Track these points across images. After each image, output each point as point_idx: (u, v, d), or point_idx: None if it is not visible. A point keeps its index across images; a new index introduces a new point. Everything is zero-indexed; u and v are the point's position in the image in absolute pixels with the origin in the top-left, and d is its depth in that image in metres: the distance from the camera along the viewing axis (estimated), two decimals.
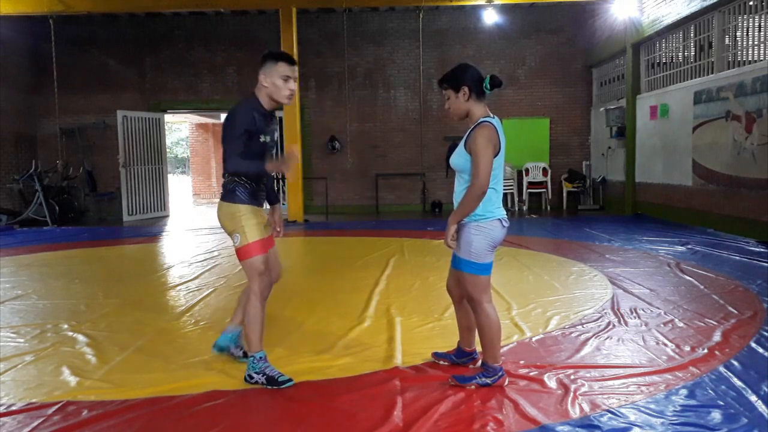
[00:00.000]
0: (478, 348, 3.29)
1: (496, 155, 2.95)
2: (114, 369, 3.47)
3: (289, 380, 3.08)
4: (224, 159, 3.06)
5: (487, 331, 3.02)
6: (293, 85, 3.20)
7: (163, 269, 7.08)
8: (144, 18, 13.15)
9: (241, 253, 3.15)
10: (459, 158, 3.03)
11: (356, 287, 5.51)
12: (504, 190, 13.51)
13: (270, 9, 12.05)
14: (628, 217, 10.90)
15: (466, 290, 3.07)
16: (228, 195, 3.18)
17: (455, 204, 3.06)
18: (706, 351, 3.51)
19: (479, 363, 3.29)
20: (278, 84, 3.14)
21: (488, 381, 3.02)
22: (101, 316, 4.66)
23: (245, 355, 3.49)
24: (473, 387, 3.00)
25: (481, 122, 2.98)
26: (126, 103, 13.16)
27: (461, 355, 3.36)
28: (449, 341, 3.73)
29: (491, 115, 3.04)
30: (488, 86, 3.01)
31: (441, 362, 3.40)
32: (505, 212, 3.07)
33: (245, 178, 3.15)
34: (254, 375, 3.11)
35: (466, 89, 3.01)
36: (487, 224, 2.97)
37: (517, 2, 12.22)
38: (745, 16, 8.44)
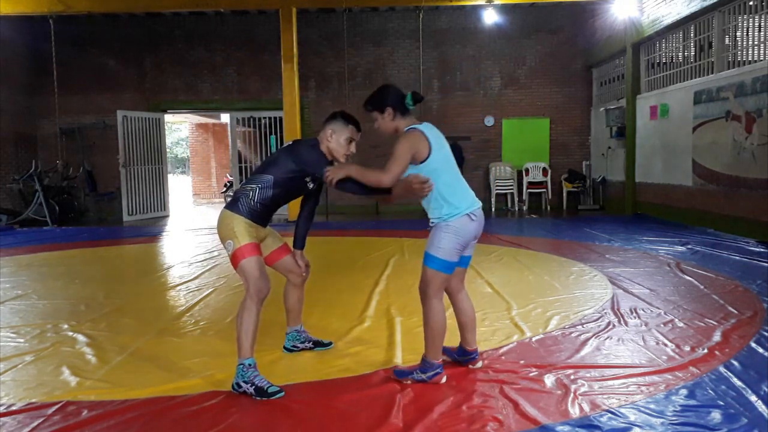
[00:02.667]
0: (475, 349, 3.30)
1: (429, 155, 3.02)
2: (114, 369, 3.47)
3: (280, 391, 2.97)
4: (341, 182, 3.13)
5: (430, 325, 3.06)
6: (353, 148, 3.36)
7: (163, 269, 7.08)
8: (144, 18, 13.14)
9: (234, 258, 3.16)
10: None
11: (356, 287, 5.51)
12: (504, 190, 13.62)
13: (270, 9, 12.05)
14: (628, 217, 10.89)
15: (421, 284, 3.10)
16: (231, 204, 3.27)
17: (427, 209, 3.12)
18: (706, 351, 3.51)
19: (478, 364, 3.30)
20: (342, 143, 3.30)
21: (424, 377, 3.05)
22: (101, 316, 4.66)
23: (316, 344, 3.71)
24: (409, 382, 3.04)
25: (406, 130, 3.10)
26: (126, 103, 13.15)
27: (462, 354, 3.37)
28: (449, 341, 3.71)
29: (418, 123, 3.15)
30: (411, 102, 3.14)
31: (443, 357, 3.40)
32: (474, 205, 3.10)
33: (258, 200, 3.22)
34: (242, 384, 2.99)
35: (390, 109, 3.14)
36: (455, 222, 3.03)
37: (517, 2, 12.22)
38: (745, 16, 8.44)
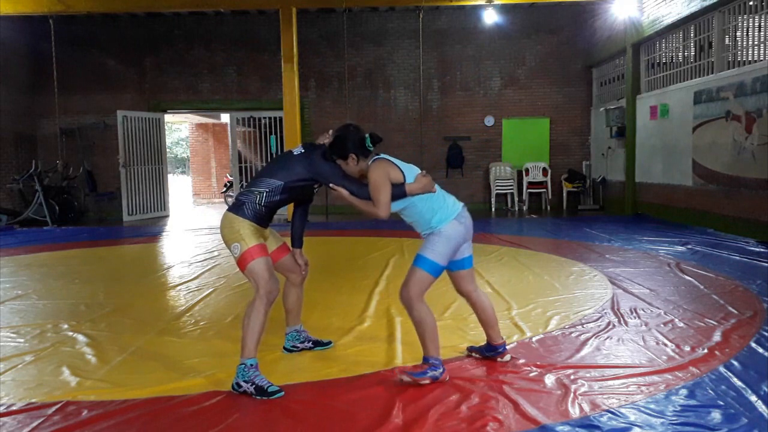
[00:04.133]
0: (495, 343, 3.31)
1: (404, 178, 3.14)
2: (114, 369, 3.47)
3: (279, 391, 2.98)
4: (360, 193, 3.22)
5: (422, 327, 3.11)
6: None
7: (163, 269, 7.08)
8: (144, 18, 13.14)
9: (242, 260, 3.16)
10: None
11: (356, 287, 5.51)
12: (504, 190, 13.62)
13: (270, 9, 12.05)
14: (628, 217, 10.89)
15: (405, 284, 3.14)
16: (235, 207, 3.27)
17: (419, 230, 3.23)
18: (706, 351, 3.51)
19: (506, 357, 3.41)
20: (357, 171, 3.29)
21: (437, 374, 3.08)
22: (101, 316, 4.66)
23: (316, 344, 3.72)
24: (428, 381, 3.04)
25: (372, 161, 3.19)
26: (126, 103, 13.15)
27: (490, 350, 3.45)
28: (449, 341, 3.74)
29: (378, 155, 3.25)
30: (371, 145, 3.19)
31: (474, 355, 3.49)
32: (458, 208, 3.21)
33: (265, 204, 3.24)
34: (242, 384, 2.99)
35: (353, 156, 3.18)
36: (446, 228, 3.13)
37: (517, 2, 12.22)
38: (745, 16, 8.44)
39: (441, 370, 3.10)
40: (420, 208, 3.17)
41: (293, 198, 3.38)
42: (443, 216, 3.15)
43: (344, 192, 3.18)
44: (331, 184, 3.21)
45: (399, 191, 3.12)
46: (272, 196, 3.24)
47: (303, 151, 3.35)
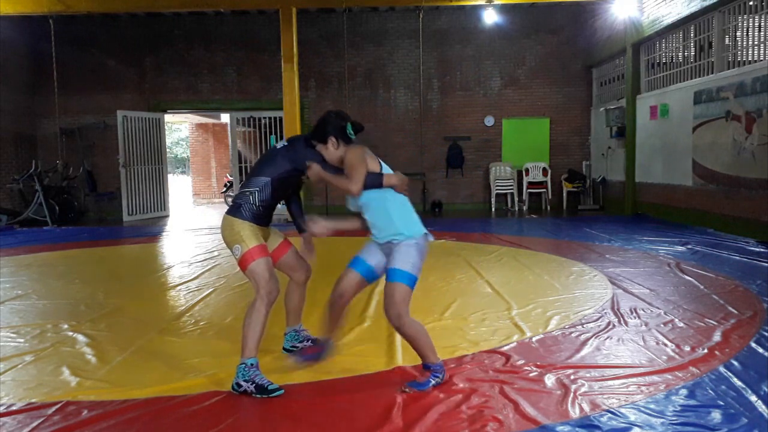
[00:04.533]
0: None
1: (381, 170, 3.12)
2: (114, 369, 3.47)
3: (279, 389, 2.99)
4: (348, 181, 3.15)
5: (417, 341, 3.06)
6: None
7: (163, 269, 7.08)
8: (144, 18, 13.14)
9: (243, 261, 3.17)
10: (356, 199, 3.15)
11: None
12: (504, 190, 13.57)
13: (270, 9, 12.04)
14: (628, 217, 10.89)
15: (392, 303, 3.01)
16: (233, 209, 3.29)
17: (382, 235, 3.15)
18: (706, 351, 3.51)
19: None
20: (337, 156, 3.25)
21: (439, 379, 3.06)
22: (101, 316, 4.66)
23: (315, 342, 3.67)
24: (431, 389, 3.00)
25: (350, 146, 3.16)
26: (126, 103, 13.15)
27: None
28: (450, 341, 3.74)
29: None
30: (352, 133, 3.18)
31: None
32: (424, 228, 3.19)
33: (260, 203, 3.26)
34: (242, 383, 3.00)
35: (333, 139, 3.16)
36: (420, 240, 3.11)
37: (517, 2, 12.22)
38: (745, 16, 8.44)
39: (442, 375, 3.07)
40: (390, 208, 3.10)
41: (284, 192, 3.39)
42: (419, 227, 3.11)
43: (317, 167, 3.16)
44: (306, 162, 3.20)
45: (376, 179, 3.07)
46: (263, 194, 3.25)
47: (286, 144, 3.37)
